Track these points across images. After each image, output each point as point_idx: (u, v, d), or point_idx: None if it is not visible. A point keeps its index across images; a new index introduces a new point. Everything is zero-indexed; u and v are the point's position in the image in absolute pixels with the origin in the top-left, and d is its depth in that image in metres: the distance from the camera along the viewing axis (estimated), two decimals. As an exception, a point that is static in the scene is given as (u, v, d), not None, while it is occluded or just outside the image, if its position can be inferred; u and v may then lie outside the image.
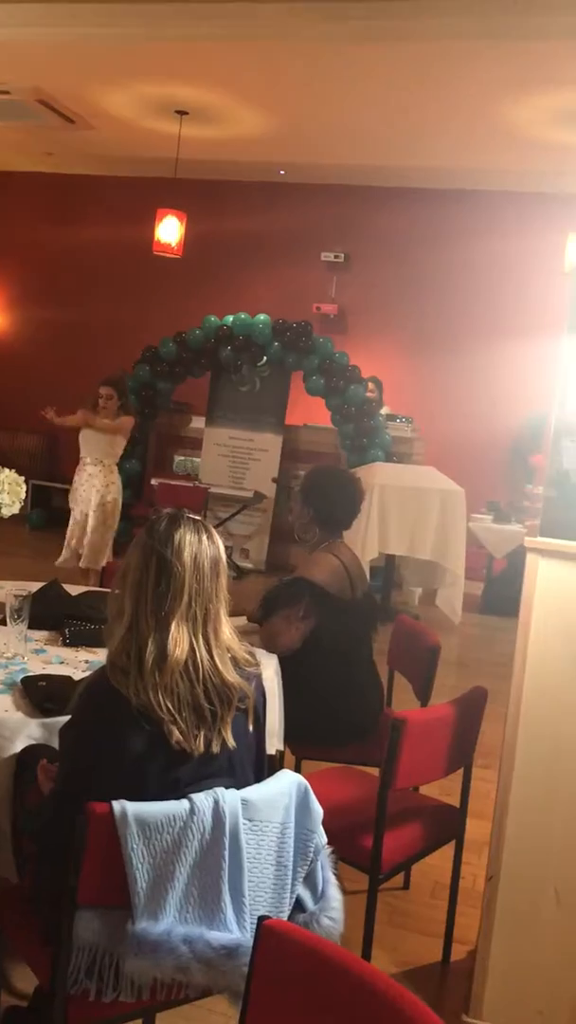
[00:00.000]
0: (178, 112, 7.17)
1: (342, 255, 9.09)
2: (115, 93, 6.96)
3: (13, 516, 3.25)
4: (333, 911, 1.91)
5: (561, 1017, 2.37)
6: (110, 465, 6.35)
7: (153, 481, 8.31)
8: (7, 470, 3.17)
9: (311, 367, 8.11)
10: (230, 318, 8.38)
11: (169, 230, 7.53)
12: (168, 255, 7.64)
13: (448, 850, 2.74)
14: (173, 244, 7.57)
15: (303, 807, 1.88)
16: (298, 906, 1.89)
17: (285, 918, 1.84)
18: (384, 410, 8.11)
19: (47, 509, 9.41)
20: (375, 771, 2.65)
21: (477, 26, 5.10)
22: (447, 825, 2.73)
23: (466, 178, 8.27)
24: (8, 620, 2.70)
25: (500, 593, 7.48)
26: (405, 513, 6.63)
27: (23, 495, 3.18)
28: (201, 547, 1.87)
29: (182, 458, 9.04)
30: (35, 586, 3.21)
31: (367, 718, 3.16)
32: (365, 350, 8.60)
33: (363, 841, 2.46)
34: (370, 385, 7.98)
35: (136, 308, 9.44)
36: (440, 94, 6.24)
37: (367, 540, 6.38)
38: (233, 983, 1.71)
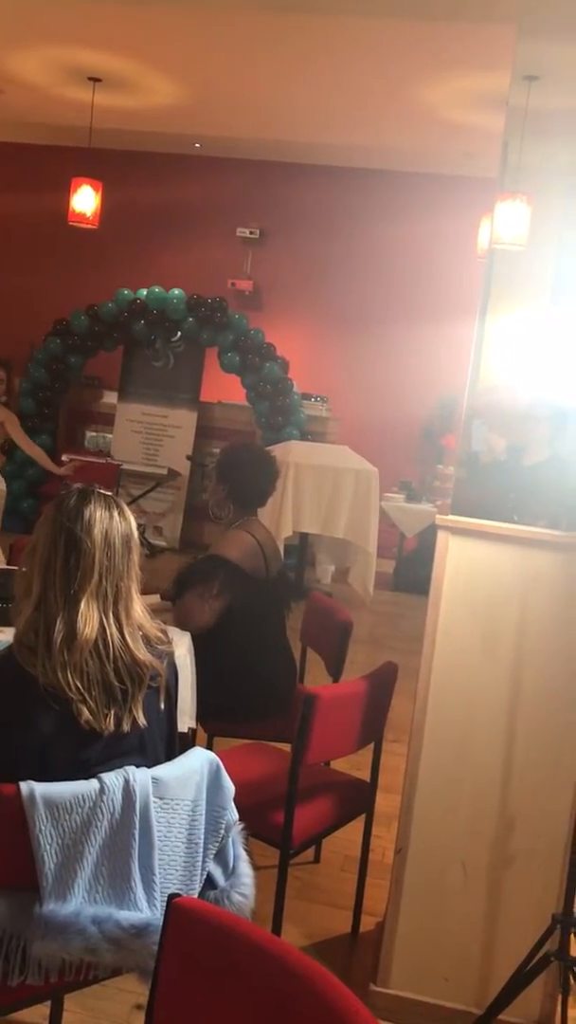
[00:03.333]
0: (91, 79, 6.99)
1: (257, 231, 9.03)
2: (25, 56, 6.74)
3: None
4: (244, 887, 1.92)
5: (466, 983, 2.43)
6: None
7: (64, 457, 8.14)
8: None
9: (226, 343, 8.06)
10: (144, 292, 8.26)
11: (85, 200, 7.35)
12: (84, 225, 7.46)
13: (358, 824, 2.78)
14: (89, 214, 7.39)
15: (214, 784, 1.87)
16: (209, 883, 1.89)
17: (196, 895, 1.83)
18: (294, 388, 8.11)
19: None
20: (287, 747, 2.66)
21: (391, 4, 5.09)
22: (357, 799, 2.77)
23: (382, 158, 8.29)
24: None
25: (411, 571, 7.61)
26: (319, 492, 6.67)
27: None
28: (112, 523, 1.84)
29: (94, 434, 8.89)
30: None
31: (280, 694, 3.17)
32: (280, 328, 8.57)
33: (274, 816, 2.48)
34: None
35: (47, 279, 9.20)
36: (355, 72, 6.23)
37: (282, 518, 6.40)
38: (142, 962, 1.70)
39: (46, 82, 7.23)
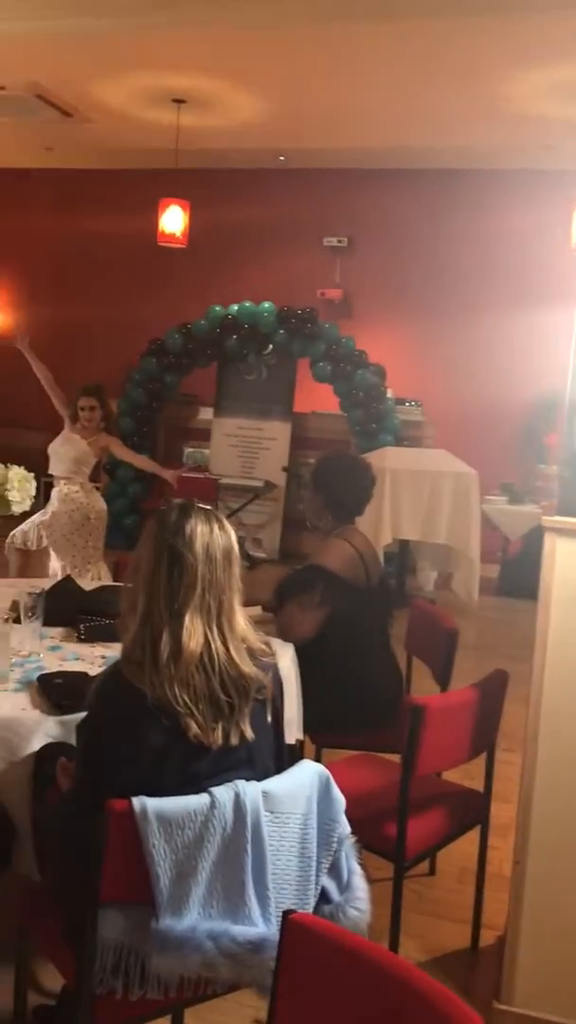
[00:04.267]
0: (175, 101, 7.11)
1: (345, 239, 9.02)
2: (111, 84, 6.90)
3: (24, 512, 3.24)
4: (359, 901, 1.88)
5: (593, 1001, 2.34)
6: (84, 483, 5.55)
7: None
8: (16, 467, 3.15)
9: (317, 353, 8.06)
10: (235, 307, 8.33)
11: (173, 220, 7.48)
12: (173, 245, 7.59)
13: (473, 835, 2.72)
14: (178, 234, 7.51)
15: (325, 797, 1.85)
16: (323, 897, 1.87)
17: (311, 910, 1.81)
18: (389, 394, 8.05)
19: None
20: (396, 757, 2.62)
21: (467, 3, 5.03)
22: (471, 810, 2.70)
23: (468, 157, 8.18)
24: (22, 618, 2.68)
25: (516, 575, 7.44)
26: (418, 497, 6.58)
27: (33, 492, 3.15)
28: (212, 537, 1.85)
29: (191, 450, 9.01)
30: (48, 583, 3.19)
31: (386, 705, 3.12)
32: (371, 334, 8.53)
33: (387, 829, 2.44)
34: None
35: (141, 301, 9.39)
36: (437, 72, 6.17)
37: (380, 526, 6.35)
38: (260, 977, 1.69)
39: (132, 107, 7.40)
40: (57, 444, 5.58)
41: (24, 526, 5.47)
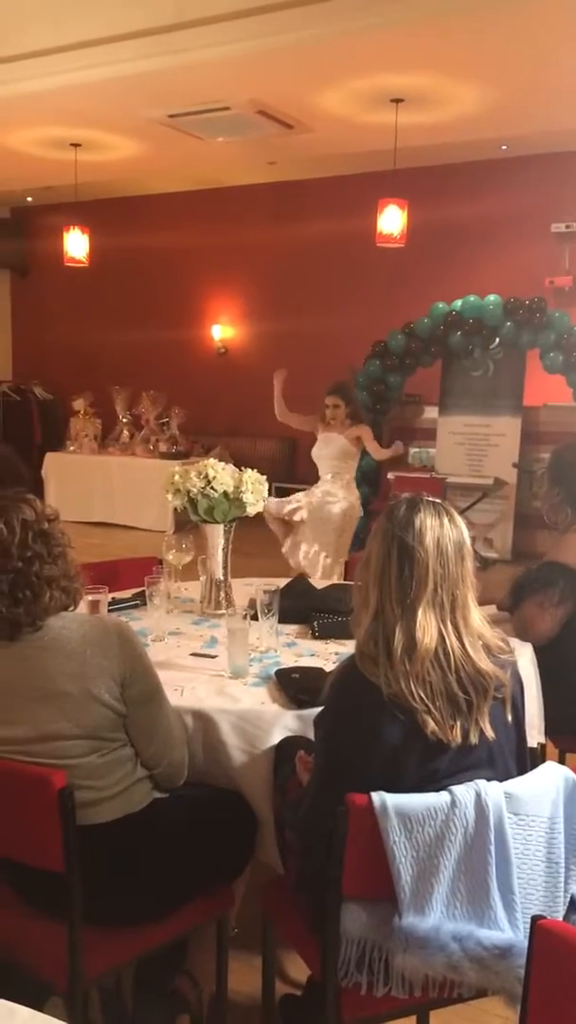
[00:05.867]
0: (393, 101, 7.09)
1: (574, 224, 8.65)
2: (329, 92, 6.99)
3: (258, 516, 3.35)
4: (612, 913, 1.78)
5: None
6: (348, 481, 5.98)
7: (389, 475, 8.30)
8: (250, 470, 3.26)
9: (548, 344, 7.77)
10: (459, 303, 8.20)
11: (391, 220, 7.46)
12: (391, 245, 7.57)
13: None
14: (396, 234, 7.49)
15: (572, 801, 1.76)
16: (573, 906, 1.78)
17: (560, 918, 1.73)
18: None
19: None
20: None
21: None
22: None
23: None
24: (259, 615, 2.75)
25: None
26: None
27: (265, 494, 3.25)
28: (443, 531, 1.81)
29: (417, 450, 8.96)
30: (283, 582, 3.27)
31: None
32: (605, 321, 8.12)
33: None
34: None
35: (362, 304, 9.46)
36: None
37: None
38: (508, 984, 1.63)
39: (350, 112, 7.45)
40: (317, 448, 5.89)
41: (288, 498, 5.78)
